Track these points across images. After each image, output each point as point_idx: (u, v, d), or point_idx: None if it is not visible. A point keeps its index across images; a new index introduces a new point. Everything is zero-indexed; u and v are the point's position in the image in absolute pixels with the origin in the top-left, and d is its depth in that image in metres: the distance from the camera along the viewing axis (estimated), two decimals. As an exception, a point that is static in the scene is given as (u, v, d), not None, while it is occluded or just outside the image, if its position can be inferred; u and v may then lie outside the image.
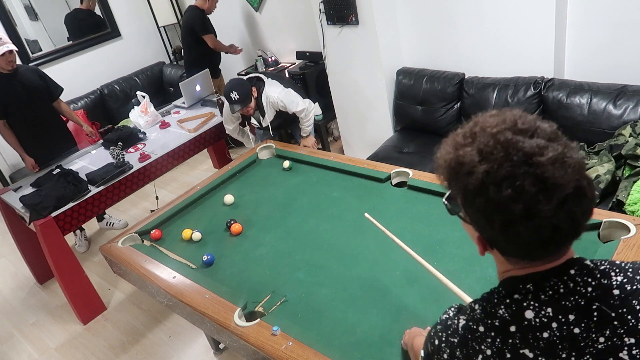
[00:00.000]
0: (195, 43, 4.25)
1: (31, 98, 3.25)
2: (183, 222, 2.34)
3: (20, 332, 3.17)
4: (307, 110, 3.08)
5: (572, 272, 0.76)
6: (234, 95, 2.87)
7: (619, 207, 2.29)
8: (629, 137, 2.45)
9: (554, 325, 0.74)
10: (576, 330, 0.73)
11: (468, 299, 1.27)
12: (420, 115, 3.40)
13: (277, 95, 3.01)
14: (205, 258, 1.98)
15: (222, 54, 4.55)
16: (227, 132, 3.36)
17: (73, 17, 4.99)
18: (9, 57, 3.03)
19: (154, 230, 2.26)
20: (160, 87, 5.38)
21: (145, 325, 2.96)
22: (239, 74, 4.89)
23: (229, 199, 2.39)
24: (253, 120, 3.22)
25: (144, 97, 3.80)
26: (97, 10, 5.12)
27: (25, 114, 3.26)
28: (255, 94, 2.99)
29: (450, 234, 1.83)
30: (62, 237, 2.87)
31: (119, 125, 4.29)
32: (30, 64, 4.60)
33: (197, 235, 2.18)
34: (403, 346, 1.41)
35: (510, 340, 0.75)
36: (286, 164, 2.58)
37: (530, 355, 0.73)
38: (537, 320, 0.74)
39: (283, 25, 4.50)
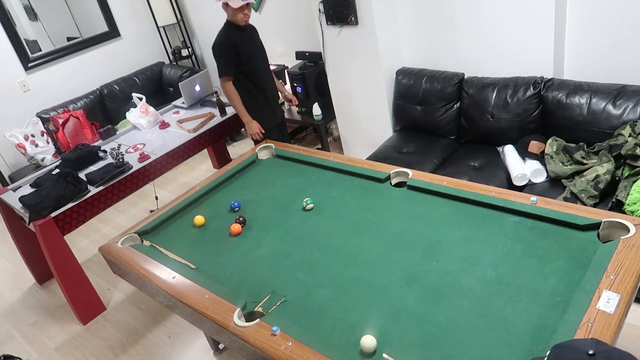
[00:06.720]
0: None
1: (260, 57, 3.07)
2: (183, 222, 2.35)
3: (20, 333, 3.17)
4: None
5: None
6: None
7: (618, 207, 2.29)
8: (629, 137, 2.45)
9: None
10: None
11: None
12: (420, 115, 3.40)
13: None
14: (233, 204, 2.29)
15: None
16: None
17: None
18: (245, 9, 2.85)
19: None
20: (159, 87, 5.38)
21: (145, 325, 2.96)
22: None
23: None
24: None
25: (140, 99, 3.79)
26: (95, 9, 5.12)
27: (253, 74, 3.10)
28: None
29: (450, 234, 1.83)
30: (62, 237, 2.87)
31: (117, 126, 4.29)
32: (30, 64, 4.62)
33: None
34: None
35: None
36: (309, 207, 2.21)
37: None
38: None
39: (283, 25, 4.50)
